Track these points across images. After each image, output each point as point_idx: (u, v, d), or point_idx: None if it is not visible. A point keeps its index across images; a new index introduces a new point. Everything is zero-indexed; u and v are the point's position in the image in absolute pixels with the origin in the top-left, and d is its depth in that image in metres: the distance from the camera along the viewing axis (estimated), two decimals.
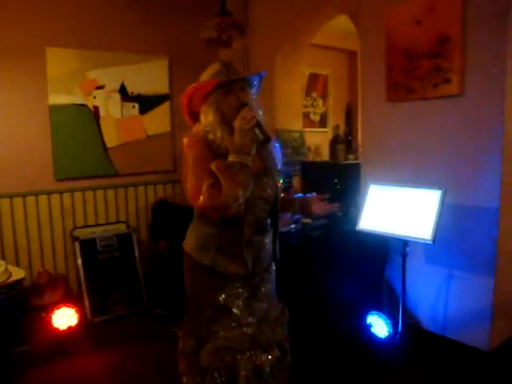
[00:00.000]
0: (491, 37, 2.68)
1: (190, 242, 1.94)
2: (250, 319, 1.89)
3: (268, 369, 1.90)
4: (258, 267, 1.93)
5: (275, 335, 1.97)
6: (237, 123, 1.73)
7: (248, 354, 1.86)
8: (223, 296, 1.87)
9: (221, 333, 1.86)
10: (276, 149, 2.04)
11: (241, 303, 1.88)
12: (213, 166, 1.68)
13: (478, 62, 2.75)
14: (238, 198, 1.65)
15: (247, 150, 1.72)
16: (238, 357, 1.84)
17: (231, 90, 1.81)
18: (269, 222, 1.96)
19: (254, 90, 1.90)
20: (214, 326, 1.87)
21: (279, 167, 2.03)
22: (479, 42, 2.73)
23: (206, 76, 1.86)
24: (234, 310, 1.87)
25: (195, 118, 1.92)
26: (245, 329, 1.87)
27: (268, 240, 1.97)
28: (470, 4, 2.74)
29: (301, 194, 2.26)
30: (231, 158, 1.70)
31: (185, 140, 1.82)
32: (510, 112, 2.72)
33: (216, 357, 1.84)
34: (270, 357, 1.91)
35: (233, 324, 1.86)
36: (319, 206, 2.17)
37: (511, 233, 2.93)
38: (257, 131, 1.75)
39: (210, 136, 1.80)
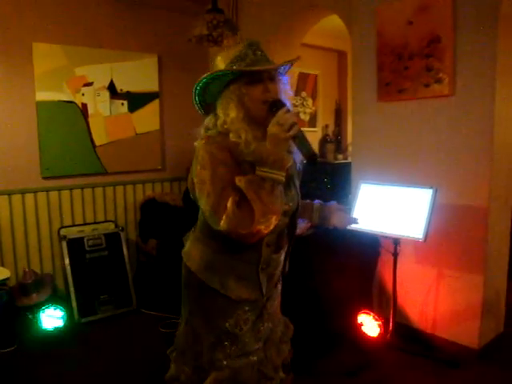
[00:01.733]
0: (482, 37, 2.71)
1: (194, 259, 1.63)
2: (256, 345, 1.65)
3: None
4: (269, 288, 1.68)
5: (280, 355, 1.78)
6: (272, 129, 1.40)
7: None
8: (230, 322, 1.60)
9: (225, 362, 1.59)
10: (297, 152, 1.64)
11: (248, 329, 1.62)
12: (239, 181, 1.39)
13: (469, 63, 2.77)
14: (271, 225, 1.40)
15: (282, 164, 1.40)
16: None
17: (258, 78, 1.49)
18: (286, 237, 1.69)
19: (284, 80, 1.58)
20: (217, 354, 1.60)
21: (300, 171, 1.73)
22: (470, 43, 2.75)
23: (226, 58, 1.54)
24: (242, 338, 1.61)
25: (207, 109, 1.62)
26: (251, 357, 1.62)
27: (283, 256, 1.71)
28: (461, 5, 2.76)
29: (318, 201, 1.92)
30: (262, 173, 1.38)
31: (199, 143, 1.50)
32: (499, 113, 2.74)
33: None
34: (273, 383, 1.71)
35: (239, 353, 1.60)
36: (339, 218, 1.90)
37: (500, 232, 2.97)
38: (299, 142, 1.41)
39: (232, 136, 1.48)
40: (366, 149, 3.40)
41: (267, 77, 1.50)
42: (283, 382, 1.79)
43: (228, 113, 1.50)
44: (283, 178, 1.41)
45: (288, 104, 1.51)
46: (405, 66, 3.03)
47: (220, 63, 1.54)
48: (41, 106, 3.67)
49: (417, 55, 2.95)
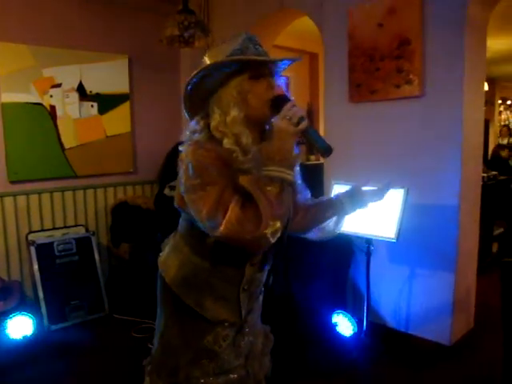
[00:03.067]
0: (450, 39, 2.77)
1: (170, 269, 1.49)
2: (237, 362, 1.53)
3: None
4: (249, 304, 1.55)
5: (263, 369, 1.66)
6: (280, 123, 1.26)
7: None
8: (208, 339, 1.47)
9: (202, 380, 1.48)
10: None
11: (228, 345, 1.50)
12: (244, 180, 1.24)
13: (438, 64, 2.83)
14: (278, 230, 1.22)
15: (290, 162, 1.26)
16: None
17: (261, 74, 1.34)
18: (273, 253, 1.51)
19: (279, 80, 1.44)
20: (194, 371, 1.48)
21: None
22: (439, 44, 2.81)
23: (222, 53, 1.34)
24: (221, 355, 1.48)
25: (194, 111, 1.44)
26: (230, 375, 1.50)
27: (265, 274, 1.56)
28: (429, 7, 2.82)
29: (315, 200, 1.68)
30: (269, 172, 1.23)
31: (186, 148, 1.34)
32: (468, 113, 2.81)
33: None
34: None
35: (217, 370, 1.48)
36: (373, 193, 1.74)
37: (471, 230, 3.03)
38: (311, 137, 1.29)
39: (227, 143, 1.31)
40: (338, 149, 3.35)
41: (269, 73, 1.37)
42: None
43: (228, 112, 1.32)
44: (292, 178, 1.26)
45: (292, 99, 1.35)
46: (376, 68, 3.06)
47: (208, 61, 1.35)
48: (6, 107, 3.55)
49: (387, 57, 2.99)
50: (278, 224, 1.21)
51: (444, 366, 2.85)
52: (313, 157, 5.59)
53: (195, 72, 1.34)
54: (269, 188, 1.21)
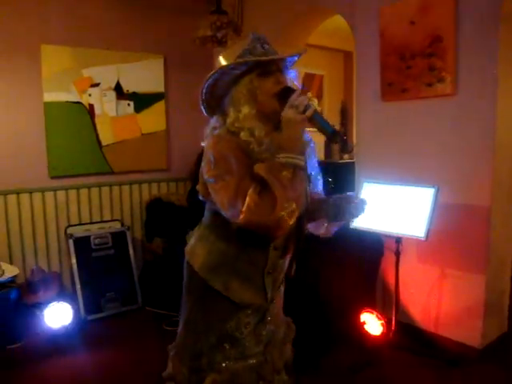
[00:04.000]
0: (484, 37, 2.71)
1: (198, 257, 1.58)
2: (257, 349, 1.60)
3: None
4: (273, 291, 1.62)
5: (282, 357, 1.71)
6: (287, 113, 1.34)
7: None
8: (231, 325, 1.55)
9: (223, 364, 1.56)
10: (312, 149, 1.57)
11: (249, 332, 1.58)
12: (258, 168, 1.31)
13: (471, 62, 2.77)
14: (295, 212, 1.29)
15: (301, 148, 1.34)
16: None
17: (269, 71, 1.42)
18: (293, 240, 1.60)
19: (291, 75, 1.51)
20: (216, 356, 1.57)
21: (315, 172, 1.61)
22: (472, 42, 2.76)
23: (232, 54, 1.44)
24: (242, 341, 1.57)
25: (212, 109, 1.54)
26: (250, 361, 1.58)
27: (288, 261, 1.63)
28: (463, 4, 2.77)
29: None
30: (281, 159, 1.31)
31: (207, 142, 1.44)
32: (502, 112, 2.75)
33: None
34: None
35: (238, 355, 1.56)
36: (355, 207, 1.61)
37: (503, 232, 2.96)
38: (318, 122, 1.35)
39: (244, 135, 1.40)
40: (370, 148, 3.41)
41: (277, 69, 1.45)
42: (286, 383, 1.73)
43: (240, 109, 1.42)
44: (303, 163, 1.35)
45: (298, 89, 1.43)
46: (407, 66, 3.04)
47: (223, 62, 1.44)
48: (48, 106, 3.73)
49: (419, 55, 2.96)
50: (294, 205, 1.28)
51: (473, 369, 2.80)
52: (346, 155, 5.56)
53: (207, 76, 1.44)
54: (283, 173, 1.29)
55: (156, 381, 2.72)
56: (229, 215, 1.35)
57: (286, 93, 1.39)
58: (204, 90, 1.48)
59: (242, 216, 1.29)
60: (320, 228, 1.66)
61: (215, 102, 1.51)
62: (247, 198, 1.28)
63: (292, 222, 1.30)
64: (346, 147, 5.23)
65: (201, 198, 1.56)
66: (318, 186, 1.65)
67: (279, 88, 1.42)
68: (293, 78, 1.51)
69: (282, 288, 1.74)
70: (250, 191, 1.29)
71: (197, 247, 1.61)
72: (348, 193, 1.77)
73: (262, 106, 1.42)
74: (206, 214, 1.61)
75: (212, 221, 1.56)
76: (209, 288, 1.54)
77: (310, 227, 1.68)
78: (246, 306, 1.56)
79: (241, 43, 1.46)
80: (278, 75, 1.44)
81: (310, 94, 1.33)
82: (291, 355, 1.80)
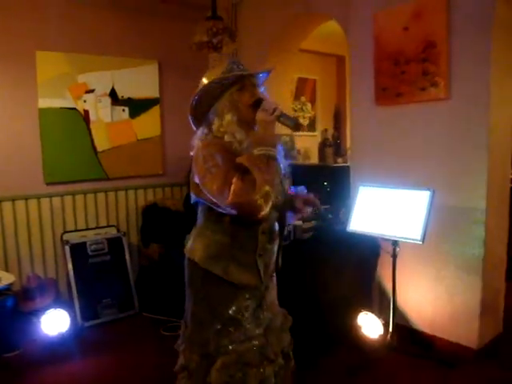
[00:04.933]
0: (476, 42, 2.76)
1: (197, 251, 1.79)
2: (257, 331, 1.81)
3: (273, 379, 1.84)
4: (266, 276, 1.85)
5: (280, 343, 1.91)
6: (259, 116, 1.65)
7: (255, 368, 1.78)
8: (234, 308, 1.77)
9: (230, 347, 1.76)
10: (281, 153, 1.87)
11: (249, 315, 1.80)
12: (243, 159, 1.59)
13: (464, 67, 2.82)
14: (269, 194, 1.55)
15: (273, 142, 1.64)
16: (249, 371, 1.76)
17: (245, 86, 1.74)
18: (277, 229, 1.87)
19: (262, 90, 1.82)
20: (223, 340, 1.76)
21: (286, 171, 1.91)
22: (465, 47, 2.81)
23: (213, 76, 1.74)
24: (244, 323, 1.78)
25: (199, 121, 1.83)
26: (253, 341, 1.79)
27: (276, 248, 1.88)
28: (455, 11, 2.82)
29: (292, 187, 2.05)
30: (257, 152, 1.60)
31: (198, 143, 1.73)
32: (495, 115, 2.79)
33: (225, 372, 1.74)
34: (275, 367, 1.85)
35: (242, 337, 1.77)
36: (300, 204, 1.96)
37: (498, 234, 3.01)
38: (283, 120, 1.67)
39: (227, 138, 1.71)
40: (365, 152, 3.44)
41: (251, 84, 1.76)
42: (283, 368, 1.91)
43: (224, 117, 1.72)
44: (275, 153, 1.63)
45: (269, 98, 1.75)
46: (401, 71, 3.08)
47: (206, 81, 1.76)
48: (43, 112, 3.72)
49: (413, 60, 3.00)
50: (268, 188, 1.55)
51: (470, 370, 2.83)
52: (340, 159, 5.60)
53: (194, 93, 1.75)
54: (258, 162, 1.58)
55: None
56: (218, 200, 1.61)
57: (258, 102, 1.70)
58: (194, 103, 1.77)
59: (229, 199, 1.54)
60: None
61: (201, 116, 1.80)
62: (232, 185, 1.54)
63: (268, 203, 1.56)
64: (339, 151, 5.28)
65: (193, 198, 1.78)
66: (286, 185, 1.90)
67: (254, 99, 1.72)
68: (263, 91, 1.82)
69: (274, 279, 1.97)
70: (235, 179, 1.55)
71: (195, 243, 1.82)
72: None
73: (241, 114, 1.73)
74: (200, 214, 1.83)
75: (206, 218, 1.80)
76: (209, 276, 1.76)
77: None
78: (244, 288, 1.78)
79: (220, 66, 1.76)
80: (252, 89, 1.75)
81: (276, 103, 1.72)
82: (289, 343, 1.99)
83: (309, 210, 1.99)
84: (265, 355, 1.81)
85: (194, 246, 1.82)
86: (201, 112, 1.80)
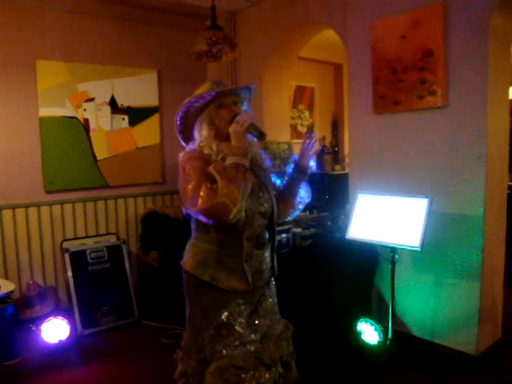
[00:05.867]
0: (473, 50, 2.79)
1: (188, 260, 1.90)
2: (253, 336, 1.86)
3: None
4: (259, 281, 1.92)
5: (278, 351, 1.93)
6: (232, 128, 1.77)
7: (252, 372, 1.81)
8: (226, 313, 1.83)
9: (224, 352, 1.81)
10: (266, 159, 2.03)
11: (243, 320, 1.85)
12: (211, 168, 1.71)
13: (461, 75, 2.85)
14: (236, 198, 1.65)
15: (243, 152, 1.74)
16: (243, 375, 1.79)
17: (224, 104, 1.85)
18: (267, 236, 1.94)
19: (245, 107, 1.93)
20: (217, 345, 1.82)
21: (271, 174, 2.05)
22: (462, 56, 2.84)
23: (198, 92, 1.89)
24: (237, 328, 1.83)
25: (188, 137, 1.96)
26: (248, 346, 1.83)
27: (267, 254, 1.95)
28: (452, 20, 2.85)
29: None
30: (228, 161, 1.72)
31: (180, 155, 1.83)
32: (492, 122, 2.82)
33: (220, 377, 1.79)
34: (272, 374, 1.87)
35: (236, 342, 1.82)
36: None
37: (496, 240, 3.03)
38: (252, 131, 1.79)
39: (206, 150, 1.82)
40: (363, 160, 3.47)
41: (231, 102, 1.86)
42: (283, 376, 1.95)
43: (202, 133, 1.85)
44: (245, 163, 1.73)
45: (247, 112, 1.90)
46: (399, 79, 3.11)
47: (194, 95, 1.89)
48: (44, 121, 3.75)
49: (410, 68, 3.04)
50: (236, 192, 1.65)
51: (469, 376, 2.84)
52: (338, 166, 5.63)
53: (178, 110, 1.89)
54: (228, 171, 1.69)
55: None
56: (190, 208, 1.71)
57: (234, 117, 1.82)
58: (178, 122, 1.93)
59: (198, 205, 1.66)
60: (303, 196, 2.05)
61: (188, 133, 1.94)
62: (201, 192, 1.66)
63: (236, 207, 1.65)
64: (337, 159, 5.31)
65: (184, 209, 1.83)
66: (272, 193, 1.99)
67: (232, 115, 1.83)
68: (246, 108, 1.94)
69: (273, 287, 2.04)
70: (203, 187, 1.67)
71: (187, 254, 1.93)
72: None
73: (218, 129, 1.85)
74: (192, 226, 1.93)
75: (196, 228, 1.90)
76: (201, 283, 1.85)
77: (298, 201, 2.05)
78: (236, 296, 1.85)
79: (205, 86, 1.89)
80: (232, 107, 1.86)
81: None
82: (290, 353, 2.02)
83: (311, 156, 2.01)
84: (260, 360, 1.84)
85: (186, 256, 1.93)
86: (187, 129, 1.94)
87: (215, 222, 1.72)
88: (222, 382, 1.78)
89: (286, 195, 2.04)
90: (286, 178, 2.06)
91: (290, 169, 2.04)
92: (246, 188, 1.71)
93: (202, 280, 1.84)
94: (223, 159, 1.76)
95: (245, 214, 1.77)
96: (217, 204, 1.63)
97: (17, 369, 3.11)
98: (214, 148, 1.81)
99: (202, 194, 1.65)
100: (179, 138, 1.99)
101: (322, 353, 3.00)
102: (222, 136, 1.83)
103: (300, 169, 1.99)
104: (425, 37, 2.95)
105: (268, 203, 1.91)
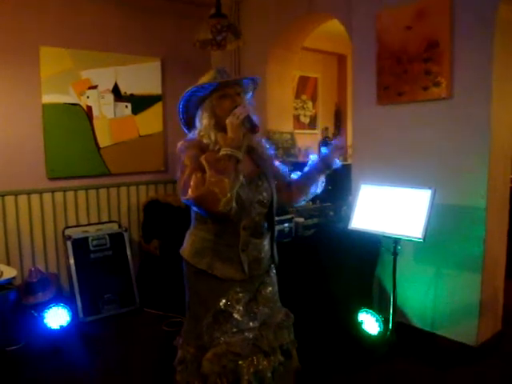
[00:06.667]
0: (479, 42, 2.78)
1: (186, 248, 1.93)
2: (251, 324, 1.87)
3: (270, 374, 1.87)
4: (258, 270, 1.93)
5: (278, 339, 1.94)
6: (228, 119, 1.77)
7: (250, 359, 1.83)
8: (223, 301, 1.85)
9: (222, 338, 1.83)
10: (267, 148, 2.03)
11: (241, 308, 1.86)
12: (202, 157, 1.72)
13: (467, 66, 2.84)
14: (225, 187, 1.65)
15: (237, 144, 1.73)
16: (240, 362, 1.81)
17: (227, 94, 1.84)
18: (266, 225, 1.94)
19: (248, 96, 1.93)
20: (215, 332, 1.84)
21: (274, 162, 2.05)
22: (467, 47, 2.83)
23: (202, 81, 1.87)
24: (235, 315, 1.85)
25: (191, 125, 1.96)
26: (246, 334, 1.84)
27: (266, 243, 1.96)
28: (459, 10, 2.83)
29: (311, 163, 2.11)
30: (221, 152, 1.73)
31: (179, 144, 1.85)
32: (496, 114, 2.81)
33: (217, 363, 1.80)
34: (271, 362, 1.88)
35: (234, 329, 1.84)
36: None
37: (498, 232, 3.04)
38: (246, 123, 1.79)
39: (205, 140, 1.83)
40: (366, 150, 3.46)
41: (234, 93, 1.85)
42: (284, 365, 1.95)
43: (202, 122, 1.85)
44: (238, 154, 1.72)
45: (247, 105, 1.85)
46: (404, 70, 3.10)
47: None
48: (47, 108, 3.74)
49: (415, 59, 3.02)
50: (225, 182, 1.65)
51: (469, 367, 2.86)
52: (340, 157, 5.63)
53: (180, 98, 1.88)
54: (221, 162, 1.69)
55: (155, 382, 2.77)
56: (182, 197, 1.71)
57: (234, 109, 1.80)
58: (180, 110, 1.93)
59: (188, 194, 1.66)
60: (318, 186, 2.07)
61: (191, 121, 1.94)
62: (191, 182, 1.67)
63: (225, 195, 1.65)
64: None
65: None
66: (285, 173, 2.07)
67: (234, 106, 1.81)
68: (249, 99, 1.93)
69: (273, 276, 2.04)
70: (193, 176, 1.68)
71: (186, 243, 1.96)
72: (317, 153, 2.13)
73: (218, 118, 1.83)
74: (192, 215, 1.94)
75: (195, 217, 1.91)
76: (198, 272, 1.87)
77: (312, 190, 2.06)
78: (234, 284, 1.86)
79: (209, 74, 1.88)
80: (234, 97, 1.85)
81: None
82: (291, 341, 2.03)
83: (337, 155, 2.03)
84: (259, 347, 1.86)
85: (185, 244, 1.96)
86: (189, 117, 1.94)
87: (206, 212, 1.73)
88: (220, 368, 1.80)
89: (302, 182, 2.05)
90: (307, 167, 2.06)
91: (310, 159, 2.05)
92: (236, 179, 1.71)
93: (199, 268, 1.86)
94: (219, 150, 1.76)
95: (242, 202, 1.78)
96: (205, 193, 1.64)
97: (18, 354, 3.13)
98: (213, 138, 1.82)
99: (191, 183, 1.67)
100: (182, 125, 1.99)
101: (322, 342, 3.02)
102: (221, 126, 1.82)
103: (326, 162, 2.00)
104: (430, 28, 2.94)
105: (267, 192, 1.91)
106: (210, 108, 1.85)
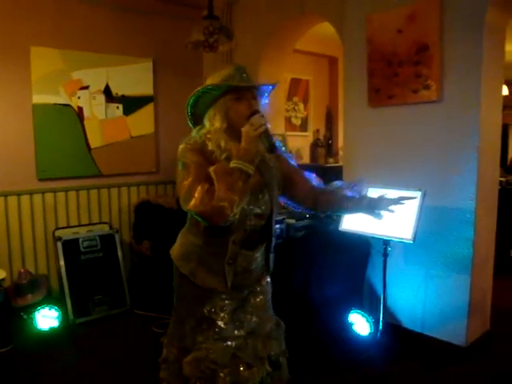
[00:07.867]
0: (468, 45, 2.81)
1: (175, 249, 1.89)
2: (236, 332, 1.82)
3: None
4: (248, 280, 1.86)
5: (266, 349, 1.89)
6: (245, 128, 1.63)
7: (228, 369, 1.77)
8: (208, 308, 1.80)
9: (203, 344, 1.78)
10: (281, 152, 1.93)
11: (226, 315, 1.81)
12: (211, 169, 1.60)
13: (456, 70, 2.87)
14: (234, 204, 1.56)
15: (250, 158, 1.61)
16: (218, 371, 1.76)
17: (243, 96, 1.70)
18: (260, 237, 1.84)
19: (264, 98, 1.80)
20: (197, 336, 1.80)
21: (293, 162, 1.99)
22: (457, 50, 2.86)
23: (216, 78, 1.72)
24: (219, 323, 1.79)
25: (197, 122, 1.83)
26: (228, 342, 1.79)
27: (259, 254, 1.86)
28: (448, 14, 2.86)
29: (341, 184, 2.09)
30: (233, 164, 1.60)
31: (180, 146, 1.72)
32: (485, 117, 2.85)
33: (196, 367, 1.77)
34: (254, 373, 1.81)
35: (216, 336, 1.79)
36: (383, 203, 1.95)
37: (487, 233, 3.07)
38: (263, 138, 1.66)
39: (210, 145, 1.70)
40: (357, 152, 3.49)
41: (251, 96, 1.72)
42: (271, 376, 1.90)
43: (214, 123, 1.71)
44: (250, 171, 1.61)
45: (263, 113, 1.71)
46: (394, 73, 3.12)
47: (212, 80, 1.74)
48: (37, 108, 3.72)
49: (406, 62, 3.05)
50: (235, 198, 1.56)
51: (459, 367, 2.89)
52: (331, 159, 5.66)
53: (192, 93, 1.73)
54: (232, 175, 1.58)
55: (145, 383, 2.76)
56: (182, 204, 1.63)
57: (251, 115, 1.67)
58: (189, 106, 1.78)
59: (190, 205, 1.57)
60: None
61: (198, 117, 1.80)
62: (196, 193, 1.57)
63: (231, 212, 1.56)
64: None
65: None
66: (311, 179, 2.01)
67: (250, 111, 1.68)
68: (264, 104, 1.79)
69: (264, 283, 1.95)
70: (199, 187, 1.57)
71: (176, 242, 1.91)
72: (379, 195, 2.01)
73: (232, 122, 1.70)
74: (187, 215, 1.86)
75: (188, 219, 1.85)
76: (183, 276, 1.82)
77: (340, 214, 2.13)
78: (211, 290, 1.79)
79: (226, 70, 1.74)
80: (251, 101, 1.71)
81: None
82: (281, 352, 1.97)
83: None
84: (239, 358, 1.79)
85: (175, 244, 1.91)
86: (198, 114, 1.80)
87: (206, 223, 1.65)
88: (198, 372, 1.77)
89: (331, 198, 1.95)
90: (350, 197, 1.93)
91: (358, 194, 1.94)
92: (245, 195, 1.62)
93: (182, 272, 1.82)
94: (227, 159, 1.64)
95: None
96: (212, 208, 1.55)
97: (8, 356, 3.11)
98: (222, 144, 1.69)
99: (196, 195, 1.56)
100: (188, 121, 1.85)
101: (313, 344, 3.02)
102: (234, 131, 1.68)
103: (369, 208, 1.91)
104: (420, 31, 2.97)
105: (266, 205, 1.81)
106: (223, 109, 1.70)
